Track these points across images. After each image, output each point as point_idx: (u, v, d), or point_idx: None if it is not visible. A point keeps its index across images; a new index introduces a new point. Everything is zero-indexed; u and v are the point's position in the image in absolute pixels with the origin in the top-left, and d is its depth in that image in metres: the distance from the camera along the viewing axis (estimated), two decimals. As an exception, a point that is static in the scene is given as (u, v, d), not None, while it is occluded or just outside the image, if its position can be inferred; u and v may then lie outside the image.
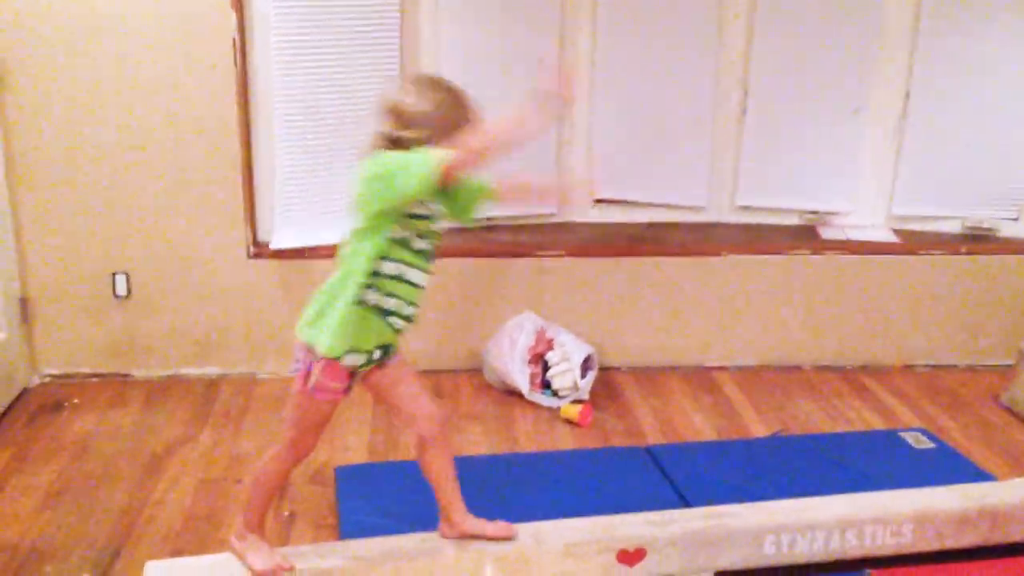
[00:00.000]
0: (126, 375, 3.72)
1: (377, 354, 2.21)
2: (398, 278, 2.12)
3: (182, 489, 2.91)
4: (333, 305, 2.11)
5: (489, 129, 2.05)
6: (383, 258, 2.08)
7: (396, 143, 2.05)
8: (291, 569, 2.21)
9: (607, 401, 3.61)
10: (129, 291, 3.65)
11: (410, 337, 3.80)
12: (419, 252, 2.13)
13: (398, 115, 2.06)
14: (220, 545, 2.60)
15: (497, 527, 2.35)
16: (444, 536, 2.35)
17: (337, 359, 2.12)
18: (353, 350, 2.13)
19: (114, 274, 3.63)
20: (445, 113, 2.05)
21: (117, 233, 3.59)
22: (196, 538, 2.66)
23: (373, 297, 2.11)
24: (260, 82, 3.58)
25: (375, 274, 2.09)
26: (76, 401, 3.50)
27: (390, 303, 2.14)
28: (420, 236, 2.12)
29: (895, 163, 4.02)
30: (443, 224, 2.18)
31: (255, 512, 2.28)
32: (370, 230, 2.07)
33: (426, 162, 1.95)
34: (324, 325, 2.11)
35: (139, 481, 2.95)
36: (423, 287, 2.18)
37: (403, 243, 2.09)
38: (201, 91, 3.50)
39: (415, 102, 2.05)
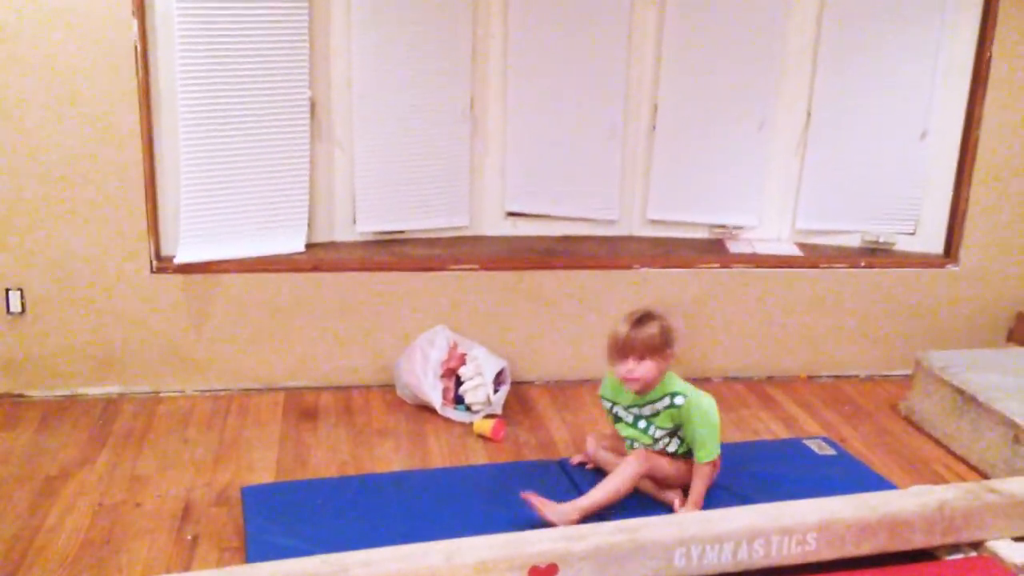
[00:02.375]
0: (20, 395, 3.57)
1: None
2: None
3: (78, 514, 2.79)
4: None
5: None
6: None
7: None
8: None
9: (520, 415, 3.60)
10: (23, 307, 3.50)
11: (320, 353, 3.78)
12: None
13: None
14: (118, 571, 2.52)
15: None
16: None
17: None
18: None
19: (7, 290, 3.48)
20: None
21: (10, 246, 3.45)
22: (93, 564, 2.55)
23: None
24: (163, 90, 3.48)
25: None
26: (-35, 423, 3.35)
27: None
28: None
29: (798, 178, 4.13)
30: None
31: None
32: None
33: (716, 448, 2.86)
34: None
35: (31, 506, 2.82)
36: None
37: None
38: (101, 99, 3.39)
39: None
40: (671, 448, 2.88)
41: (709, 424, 2.83)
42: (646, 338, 2.77)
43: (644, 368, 2.78)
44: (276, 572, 2.23)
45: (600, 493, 2.76)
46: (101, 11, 3.31)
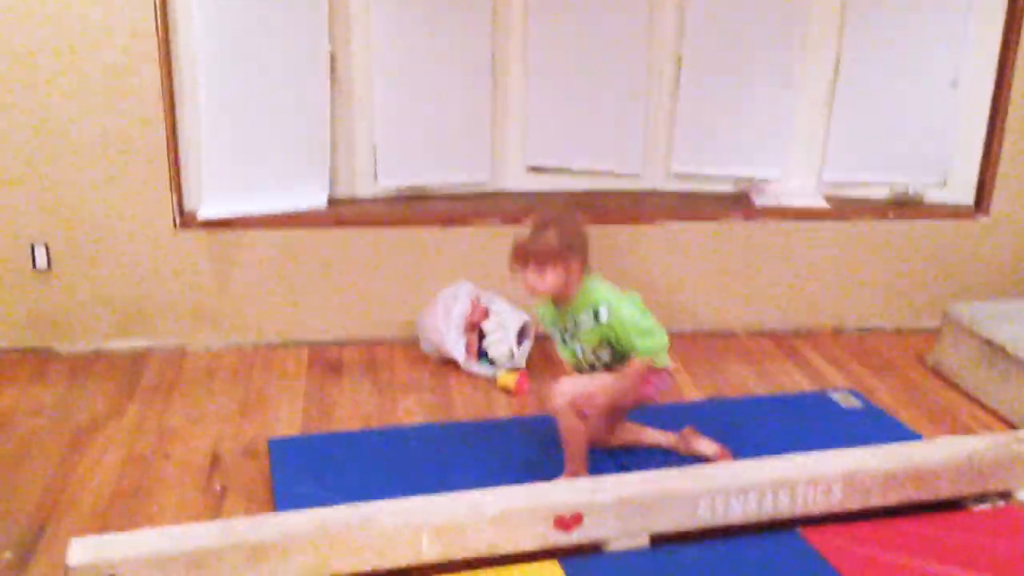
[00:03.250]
0: (48, 350, 3.60)
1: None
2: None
3: (108, 465, 2.83)
4: None
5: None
6: None
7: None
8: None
9: (543, 369, 3.60)
10: (49, 263, 3.53)
11: (344, 308, 3.79)
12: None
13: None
14: (148, 520, 2.55)
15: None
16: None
17: None
18: None
19: (33, 245, 3.50)
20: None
21: (35, 203, 3.47)
22: (123, 514, 2.59)
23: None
24: (184, 45, 3.46)
25: None
26: (-4, 377, 3.39)
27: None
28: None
29: (826, 129, 4.07)
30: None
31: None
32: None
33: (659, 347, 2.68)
34: None
35: (63, 458, 2.86)
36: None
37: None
38: (122, 53, 3.37)
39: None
40: (605, 358, 2.68)
41: (639, 330, 2.60)
42: (543, 246, 2.52)
43: (548, 278, 2.55)
44: (306, 520, 2.25)
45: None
46: (120, -36, 3.29)
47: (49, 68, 3.34)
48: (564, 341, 2.72)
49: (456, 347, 3.54)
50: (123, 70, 3.39)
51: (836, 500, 2.53)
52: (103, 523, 2.54)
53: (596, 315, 2.59)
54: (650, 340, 2.63)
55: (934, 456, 2.62)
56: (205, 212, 3.56)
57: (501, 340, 3.53)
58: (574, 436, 2.65)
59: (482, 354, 3.57)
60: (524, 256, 2.55)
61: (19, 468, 2.80)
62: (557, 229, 2.55)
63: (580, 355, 2.70)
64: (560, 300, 2.64)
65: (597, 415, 2.68)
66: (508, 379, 3.42)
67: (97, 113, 3.41)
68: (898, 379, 3.64)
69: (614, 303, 2.60)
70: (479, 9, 3.79)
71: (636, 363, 2.61)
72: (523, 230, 2.56)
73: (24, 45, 3.31)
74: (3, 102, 3.34)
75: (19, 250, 3.50)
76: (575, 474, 2.66)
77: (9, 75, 3.32)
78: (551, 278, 2.55)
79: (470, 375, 3.52)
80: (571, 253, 2.56)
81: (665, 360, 2.73)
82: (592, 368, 2.70)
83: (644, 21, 3.90)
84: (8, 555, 2.40)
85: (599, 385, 2.63)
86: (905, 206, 4.07)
